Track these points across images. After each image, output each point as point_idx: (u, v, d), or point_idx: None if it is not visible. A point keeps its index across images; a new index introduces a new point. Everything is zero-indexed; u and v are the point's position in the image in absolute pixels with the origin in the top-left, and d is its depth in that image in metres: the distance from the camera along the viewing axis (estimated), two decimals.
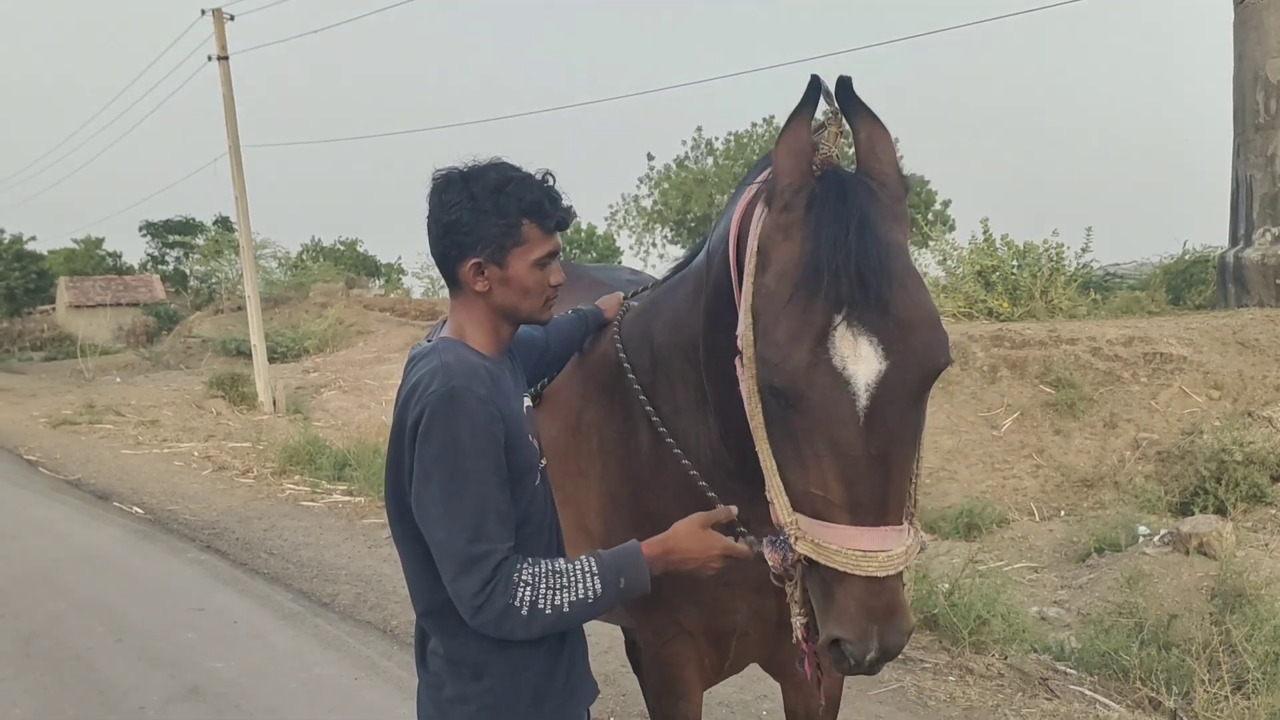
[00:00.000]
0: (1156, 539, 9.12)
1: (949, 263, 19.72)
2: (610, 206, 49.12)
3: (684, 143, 47.37)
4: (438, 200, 2.11)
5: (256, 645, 6.20)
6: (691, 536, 2.06)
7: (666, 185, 45.92)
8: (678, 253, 51.62)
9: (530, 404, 2.32)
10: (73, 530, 9.64)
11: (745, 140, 45.14)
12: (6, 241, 55.53)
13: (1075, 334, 14.42)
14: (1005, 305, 17.62)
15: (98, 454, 14.77)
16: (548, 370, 2.84)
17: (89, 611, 6.95)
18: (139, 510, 10.64)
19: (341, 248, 60.32)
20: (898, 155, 1.96)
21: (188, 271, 62.07)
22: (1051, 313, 16.89)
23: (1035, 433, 14.03)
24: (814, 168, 1.87)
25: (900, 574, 1.78)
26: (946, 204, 43.26)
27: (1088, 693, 5.41)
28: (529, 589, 1.93)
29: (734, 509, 2.12)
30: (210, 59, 21.70)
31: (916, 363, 1.75)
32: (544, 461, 2.31)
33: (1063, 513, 12.62)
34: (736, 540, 2.09)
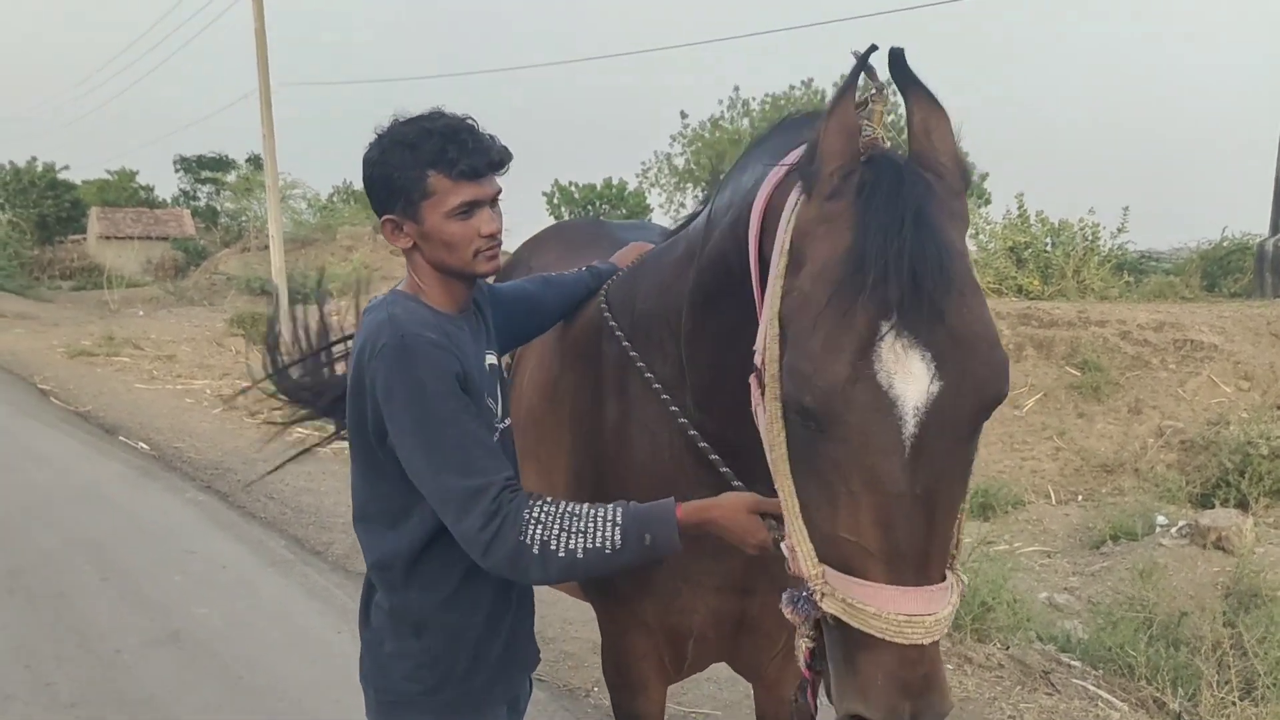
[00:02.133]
0: (1174, 530, 8.91)
1: (981, 237, 19.38)
2: (642, 163, 48.68)
3: (720, 102, 46.85)
4: (364, 161, 2.04)
5: (243, 592, 6.09)
6: (739, 513, 1.86)
7: (700, 144, 45.43)
8: None
9: (495, 364, 2.20)
10: (75, 464, 9.58)
11: (783, 103, 44.50)
12: (40, 170, 55.74)
13: (1105, 316, 14.14)
14: (1036, 283, 17.31)
15: (110, 387, 14.74)
16: (540, 328, 2.66)
17: (79, 549, 6.86)
18: (144, 446, 10.58)
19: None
20: (958, 142, 1.65)
21: (218, 208, 62.26)
22: (1083, 293, 16.57)
23: (1058, 415, 13.80)
24: (860, 151, 1.57)
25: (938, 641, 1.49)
26: (984, 177, 42.58)
27: (1090, 688, 5.23)
28: (541, 527, 1.82)
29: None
30: None
31: (974, 387, 1.44)
32: (506, 422, 2.22)
33: (1080, 498, 12.42)
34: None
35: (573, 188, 56.17)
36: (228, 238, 53.99)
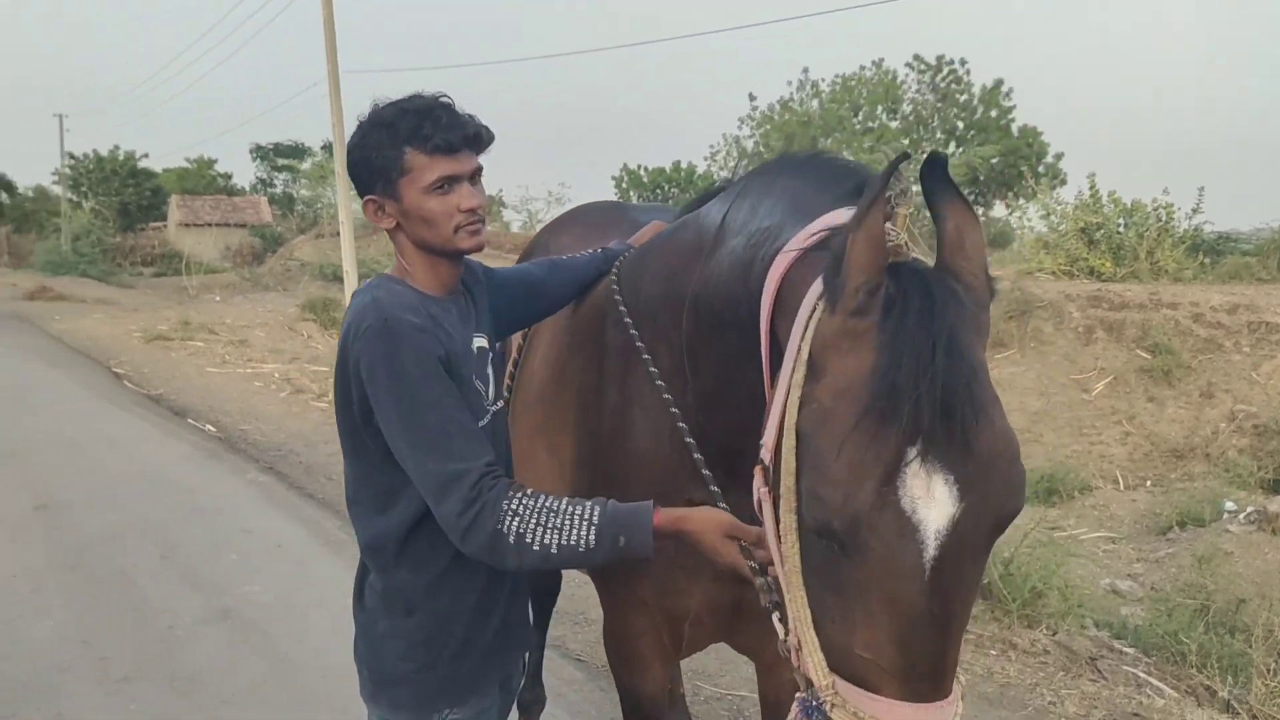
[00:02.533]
0: (1242, 516, 8.68)
1: (1052, 219, 19.00)
2: (711, 146, 48.46)
3: (789, 83, 46.45)
4: (346, 147, 2.08)
5: (295, 571, 6.21)
6: (713, 531, 1.88)
7: (769, 127, 45.07)
8: None
9: (484, 346, 2.19)
10: (144, 446, 9.83)
11: (853, 83, 43.97)
12: (121, 158, 57.14)
13: (1177, 298, 13.77)
14: (1107, 265, 16.93)
15: (183, 371, 15.11)
16: (545, 311, 2.66)
17: (142, 528, 7.05)
18: (211, 428, 10.83)
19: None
20: (984, 246, 1.59)
21: (294, 195, 63.31)
22: (1156, 275, 16.17)
23: (1128, 398, 13.51)
24: (886, 261, 1.52)
25: None
26: (1059, 157, 41.65)
27: (1141, 675, 5.12)
28: (518, 520, 1.84)
29: (751, 531, 1.85)
30: None
31: (994, 506, 1.43)
32: (498, 404, 2.22)
33: (1149, 483, 12.16)
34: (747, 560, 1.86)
35: (641, 171, 56.07)
36: (303, 224, 54.88)
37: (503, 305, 2.37)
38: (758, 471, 1.67)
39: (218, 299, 30.68)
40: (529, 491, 1.88)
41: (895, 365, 1.40)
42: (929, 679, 1.44)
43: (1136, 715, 4.59)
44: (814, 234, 1.72)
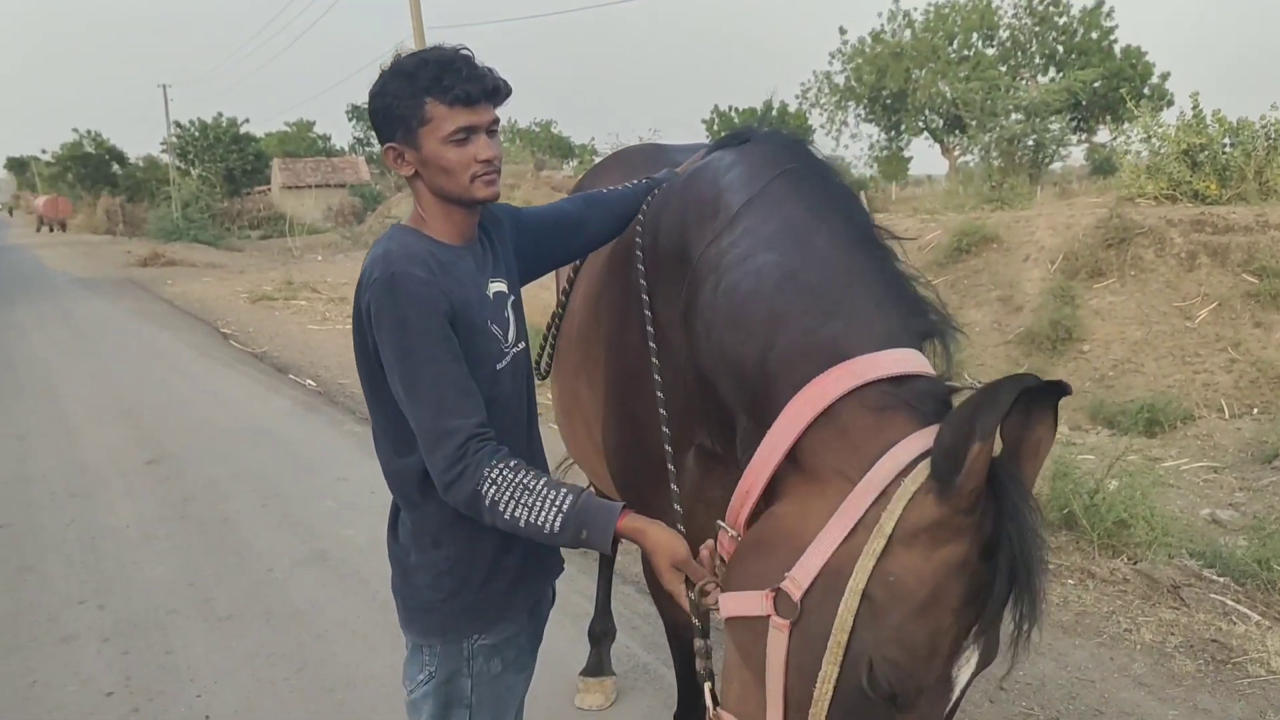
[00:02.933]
0: None
1: (1153, 141, 18.33)
2: (802, 84, 47.70)
3: (879, 15, 45.35)
4: (368, 95, 2.11)
5: (386, 515, 6.45)
6: (665, 555, 1.97)
7: (860, 60, 44.13)
8: (871, 131, 49.98)
9: (503, 291, 2.25)
10: (247, 401, 10.26)
11: (946, 11, 42.74)
12: (224, 125, 58.61)
13: None
14: (1213, 187, 16.30)
15: (286, 329, 15.62)
16: (585, 247, 2.67)
17: (244, 478, 7.40)
18: (312, 383, 11.22)
19: (536, 129, 61.15)
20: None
21: None
22: (1265, 195, 15.52)
23: (1233, 325, 13.10)
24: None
25: None
26: (1165, 77, 40.00)
27: (1229, 602, 5.04)
28: (495, 488, 1.93)
29: (711, 582, 1.92)
30: None
31: (985, 660, 1.67)
32: (520, 346, 2.28)
33: (1255, 411, 11.82)
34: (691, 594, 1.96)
35: (733, 113, 55.45)
36: (400, 182, 55.49)
37: (529, 246, 2.41)
38: (763, 593, 1.69)
39: (320, 258, 31.52)
40: (512, 463, 1.95)
41: (995, 577, 1.53)
42: None
43: (1215, 641, 4.54)
44: (885, 373, 1.73)
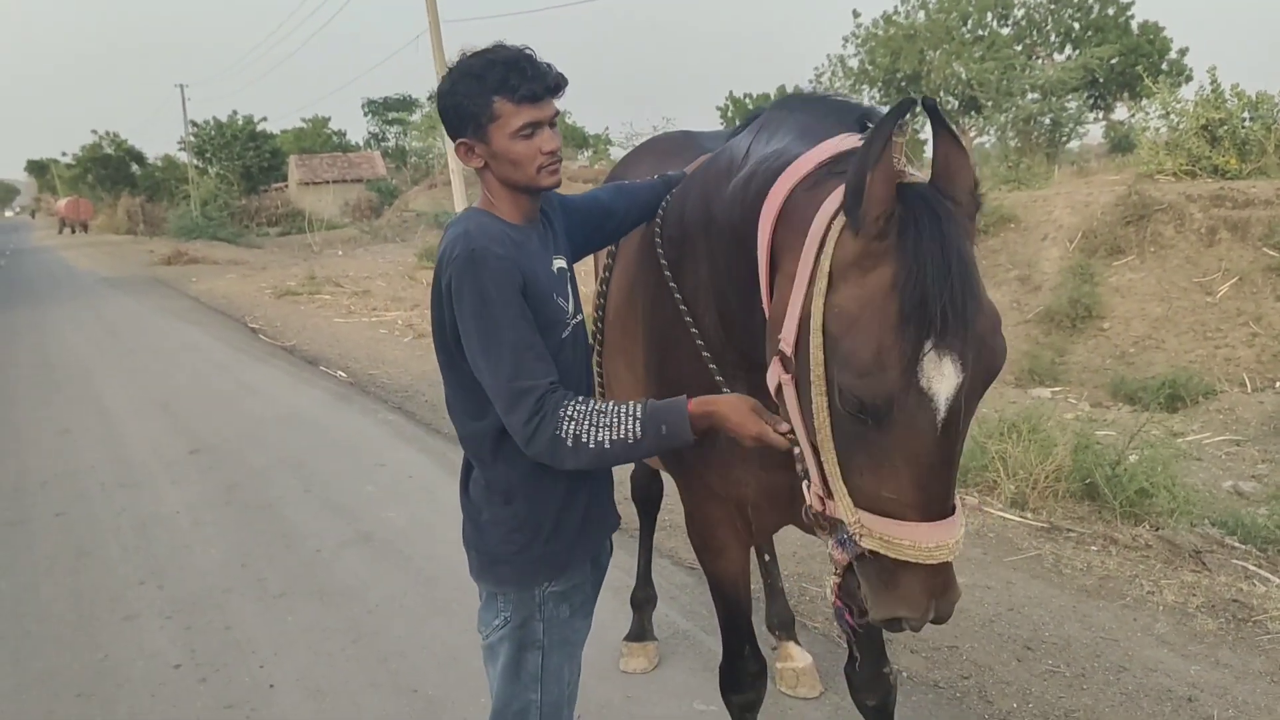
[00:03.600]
0: None
1: (1171, 117, 18.32)
2: (815, 68, 47.58)
3: None
4: (436, 94, 2.32)
5: (426, 498, 6.68)
6: (737, 409, 2.15)
7: (874, 43, 44.01)
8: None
9: (564, 267, 2.46)
10: (281, 393, 10.50)
11: None
12: (240, 123, 58.93)
13: None
14: (1232, 162, 16.31)
15: (313, 322, 15.87)
16: (614, 235, 2.90)
17: (285, 466, 7.62)
18: (342, 374, 11.45)
19: (566, 113, 61.23)
20: (975, 173, 1.90)
21: (406, 148, 64.46)
22: None
23: (1254, 299, 13.17)
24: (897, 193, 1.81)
25: None
26: (1183, 53, 39.72)
27: (1250, 566, 5.18)
28: (573, 423, 2.12)
29: (782, 441, 2.10)
30: None
31: (985, 369, 1.79)
32: (578, 318, 2.49)
33: (1278, 384, 11.88)
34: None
35: (747, 99, 55.40)
36: (416, 176, 55.94)
37: (575, 229, 2.64)
38: (775, 361, 1.98)
39: (340, 253, 31.77)
40: (581, 399, 2.16)
41: (912, 275, 1.71)
42: (939, 504, 1.82)
43: (1236, 601, 4.68)
44: (820, 160, 2.03)
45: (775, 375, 1.99)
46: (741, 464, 2.59)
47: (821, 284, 1.83)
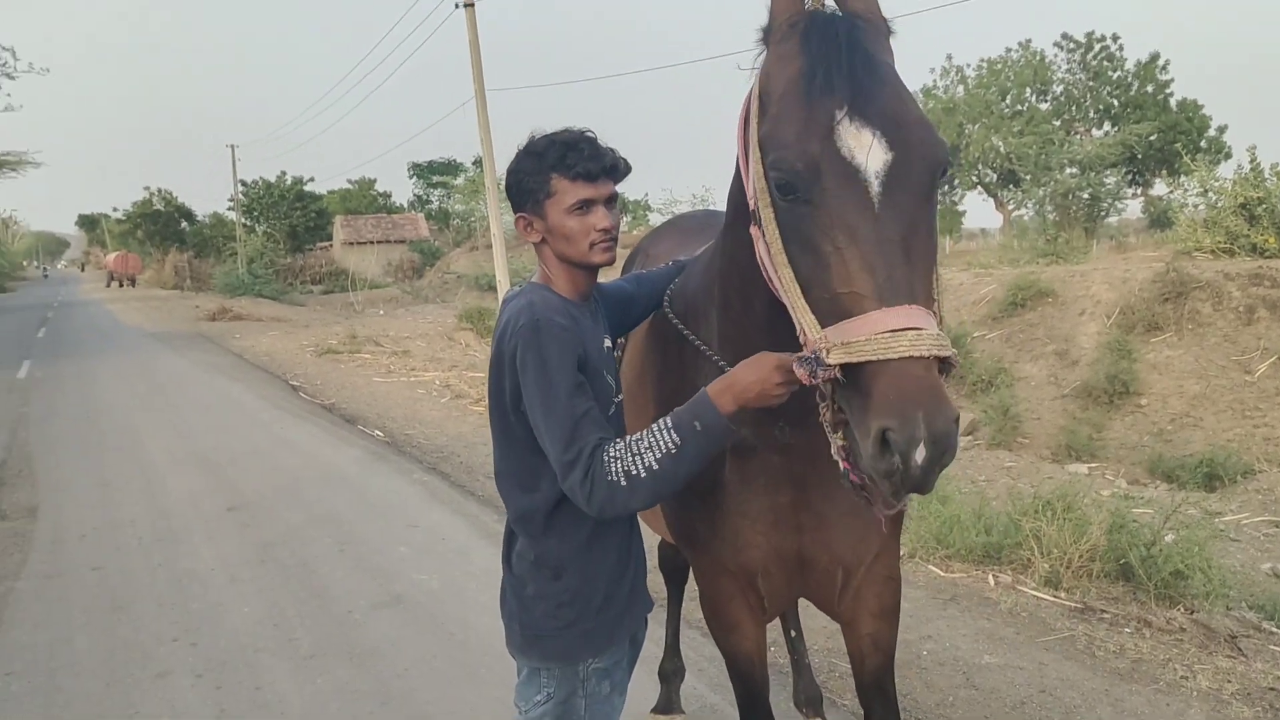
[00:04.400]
0: None
1: (1210, 194, 18.31)
2: None
3: (932, 70, 45.60)
4: (506, 171, 2.46)
5: (459, 561, 6.71)
6: (747, 365, 2.15)
7: None
8: None
9: (610, 346, 2.56)
10: (319, 450, 10.62)
11: (999, 66, 42.95)
12: (289, 183, 60.06)
13: None
14: (1271, 241, 16.28)
15: (352, 381, 16.05)
16: (636, 321, 3.00)
17: (321, 524, 7.70)
18: (379, 433, 11.57)
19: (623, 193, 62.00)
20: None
21: (449, 210, 65.35)
22: None
23: None
24: (804, 5, 2.06)
25: (935, 361, 1.77)
26: (1222, 130, 39.71)
27: None
28: (617, 462, 2.16)
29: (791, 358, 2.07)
30: (457, 6, 22.64)
31: (919, 156, 1.87)
32: (620, 398, 2.57)
33: None
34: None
35: None
36: (458, 238, 56.62)
37: (611, 313, 2.76)
38: (753, 228, 2.10)
39: (381, 313, 32.14)
40: (616, 440, 2.21)
41: (812, 54, 1.92)
42: (899, 289, 1.79)
43: (1273, 689, 4.61)
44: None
45: (756, 238, 2.09)
46: (749, 525, 2.62)
47: (755, 108, 2.06)
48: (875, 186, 1.82)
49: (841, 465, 1.95)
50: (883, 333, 1.74)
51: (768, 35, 2.07)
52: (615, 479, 2.15)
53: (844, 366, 1.80)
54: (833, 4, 2.07)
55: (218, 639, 5.54)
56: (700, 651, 5.16)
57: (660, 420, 2.18)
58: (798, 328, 1.94)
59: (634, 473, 2.14)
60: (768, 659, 2.97)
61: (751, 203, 2.07)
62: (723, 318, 2.51)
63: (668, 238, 3.83)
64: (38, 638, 5.66)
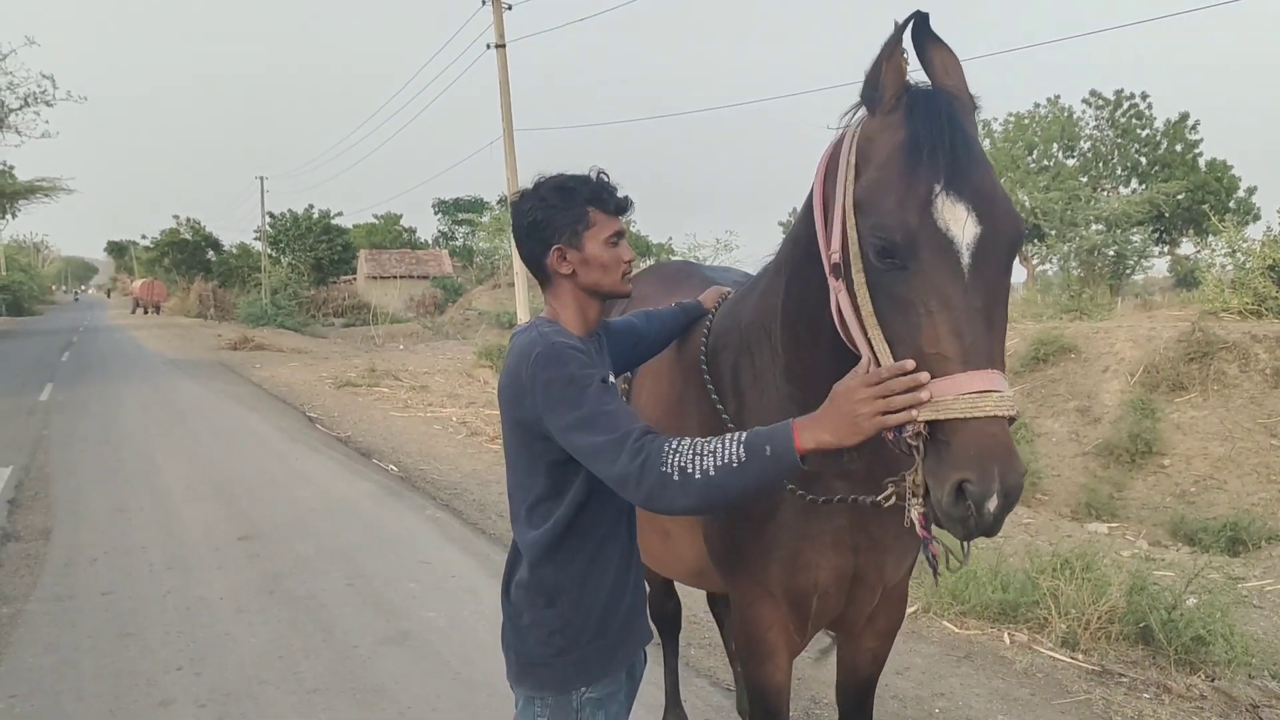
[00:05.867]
0: None
1: (1238, 255, 18.24)
2: None
3: None
4: (516, 212, 2.50)
5: (468, 599, 6.66)
6: (835, 397, 2.04)
7: None
8: None
9: (613, 381, 2.55)
10: (333, 483, 10.60)
11: (1026, 121, 43.03)
12: (315, 216, 60.59)
13: None
14: None
15: (369, 415, 16.07)
16: (643, 357, 3.09)
17: (331, 557, 7.66)
18: (394, 468, 11.55)
19: (634, 225, 62.42)
20: (964, 76, 2.24)
21: (473, 247, 65.77)
22: None
23: None
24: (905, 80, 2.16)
25: (1009, 420, 1.92)
26: (1251, 191, 39.60)
27: None
28: (678, 455, 2.10)
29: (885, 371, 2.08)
30: (489, 47, 22.92)
31: (1003, 230, 2.01)
32: None
33: None
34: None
35: None
36: (481, 275, 56.94)
37: (616, 349, 2.81)
38: (830, 278, 2.21)
39: (401, 347, 32.26)
40: (682, 438, 2.18)
41: (916, 128, 2.03)
42: (982, 354, 1.94)
43: None
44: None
45: (833, 293, 2.21)
46: (811, 546, 2.68)
47: (850, 174, 2.15)
48: (966, 257, 1.96)
49: (920, 532, 2.09)
50: (969, 393, 1.89)
51: (873, 103, 2.16)
52: (669, 471, 2.08)
53: (929, 424, 1.95)
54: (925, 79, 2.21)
55: (223, 669, 5.50)
56: (709, 700, 5.09)
57: (728, 435, 2.13)
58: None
59: (690, 471, 2.07)
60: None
61: (834, 256, 2.17)
62: (790, 350, 2.63)
63: (648, 283, 3.99)
64: (45, 660, 5.64)
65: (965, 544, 2.09)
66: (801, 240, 2.45)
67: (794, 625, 2.83)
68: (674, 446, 2.12)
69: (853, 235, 2.10)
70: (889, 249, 2.00)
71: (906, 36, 2.15)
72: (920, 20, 2.15)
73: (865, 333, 2.07)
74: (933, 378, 1.93)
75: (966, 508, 1.89)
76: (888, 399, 1.97)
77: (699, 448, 2.10)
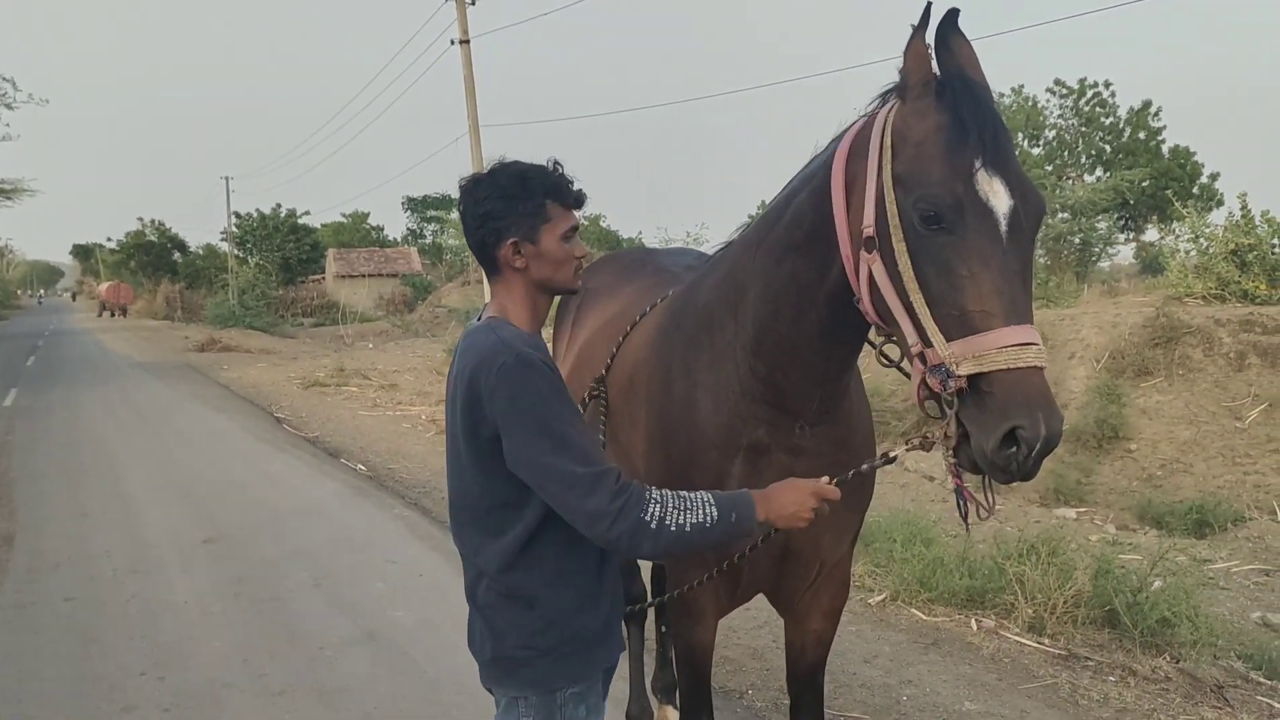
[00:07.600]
0: None
1: (1201, 241, 18.38)
2: None
3: None
4: (469, 197, 2.40)
5: (435, 598, 6.61)
6: (786, 489, 2.30)
7: None
8: None
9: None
10: (300, 484, 10.52)
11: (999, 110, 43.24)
12: (283, 216, 60.10)
13: None
14: (1262, 287, 16.29)
15: (337, 414, 15.96)
16: None
17: (296, 558, 7.60)
18: (362, 467, 11.48)
19: (585, 222, 62.26)
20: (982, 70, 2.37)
21: (442, 245, 65.43)
22: None
23: None
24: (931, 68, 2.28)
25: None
26: (1214, 177, 39.99)
27: (1275, 705, 5.02)
28: (659, 505, 2.19)
29: (838, 492, 2.36)
30: (452, 43, 22.81)
31: (1033, 205, 2.18)
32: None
33: None
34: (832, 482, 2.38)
35: None
36: (451, 272, 56.67)
37: None
38: (861, 253, 2.33)
39: (371, 346, 32.06)
40: (662, 489, 2.25)
41: (963, 114, 2.16)
42: (1021, 310, 2.11)
43: None
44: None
45: (865, 265, 2.31)
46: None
47: (887, 156, 2.26)
48: (1003, 225, 2.12)
49: (952, 480, 2.27)
50: (1010, 345, 2.04)
51: (903, 90, 2.31)
52: (648, 519, 2.18)
53: (970, 377, 2.08)
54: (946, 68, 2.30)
55: (186, 673, 5.44)
56: None
57: (700, 494, 2.25)
58: (912, 342, 2.21)
59: (666, 524, 2.19)
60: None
61: (868, 230, 2.29)
62: (765, 324, 2.71)
63: (607, 272, 3.99)
64: (5, 669, 5.56)
65: (989, 493, 2.29)
66: (805, 221, 2.55)
67: (723, 590, 3.00)
68: (655, 497, 2.20)
69: (892, 209, 2.21)
70: (936, 215, 2.13)
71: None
72: (949, 16, 2.27)
73: (905, 297, 2.19)
74: (974, 334, 2.07)
75: (1011, 455, 2.02)
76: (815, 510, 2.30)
77: (679, 502, 2.21)
